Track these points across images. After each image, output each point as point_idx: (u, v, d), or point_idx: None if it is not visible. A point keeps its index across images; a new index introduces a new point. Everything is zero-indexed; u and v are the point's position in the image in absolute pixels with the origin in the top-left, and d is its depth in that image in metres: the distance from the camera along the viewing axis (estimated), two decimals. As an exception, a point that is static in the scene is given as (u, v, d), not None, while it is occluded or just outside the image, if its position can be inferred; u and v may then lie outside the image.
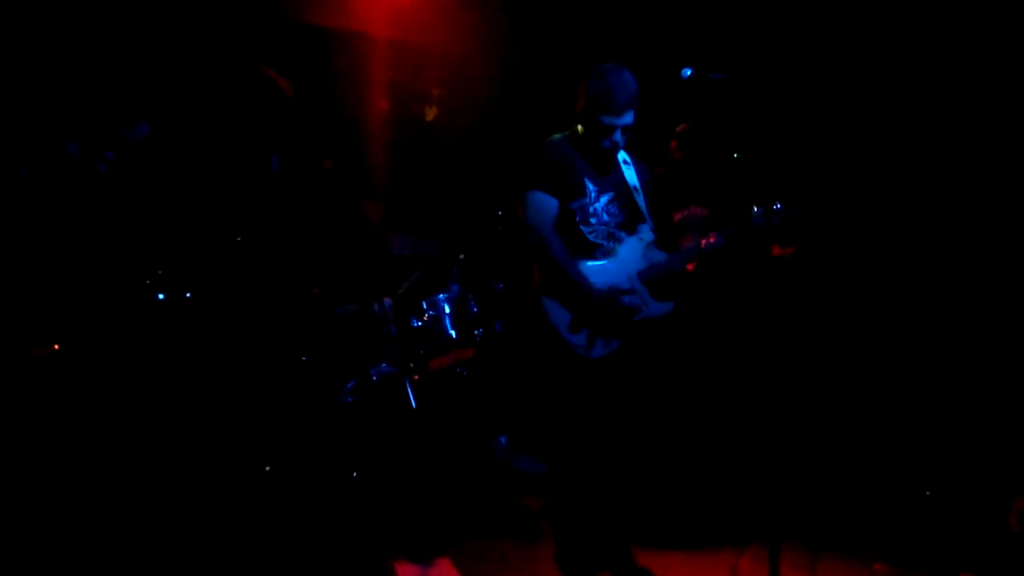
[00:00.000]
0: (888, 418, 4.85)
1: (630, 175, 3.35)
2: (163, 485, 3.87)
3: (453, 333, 4.66)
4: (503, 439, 4.87)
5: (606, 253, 3.26)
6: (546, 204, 3.21)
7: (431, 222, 5.54)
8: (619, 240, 3.28)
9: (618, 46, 5.60)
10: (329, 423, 4.33)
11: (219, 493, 4.01)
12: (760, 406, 4.23)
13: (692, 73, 3.15)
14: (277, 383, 4.47)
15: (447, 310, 4.68)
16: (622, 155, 3.38)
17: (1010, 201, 4.55)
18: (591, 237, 3.25)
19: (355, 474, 4.11)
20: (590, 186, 3.27)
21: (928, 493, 4.36)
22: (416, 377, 4.39)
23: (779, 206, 3.25)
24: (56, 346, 3.86)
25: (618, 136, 3.21)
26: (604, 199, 3.29)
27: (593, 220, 3.26)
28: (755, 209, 3.28)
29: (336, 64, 5.65)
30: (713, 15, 5.48)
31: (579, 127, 3.31)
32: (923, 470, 4.54)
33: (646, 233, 3.29)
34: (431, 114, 5.85)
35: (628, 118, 3.19)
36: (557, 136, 3.35)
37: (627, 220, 3.30)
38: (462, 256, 5.03)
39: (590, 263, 3.23)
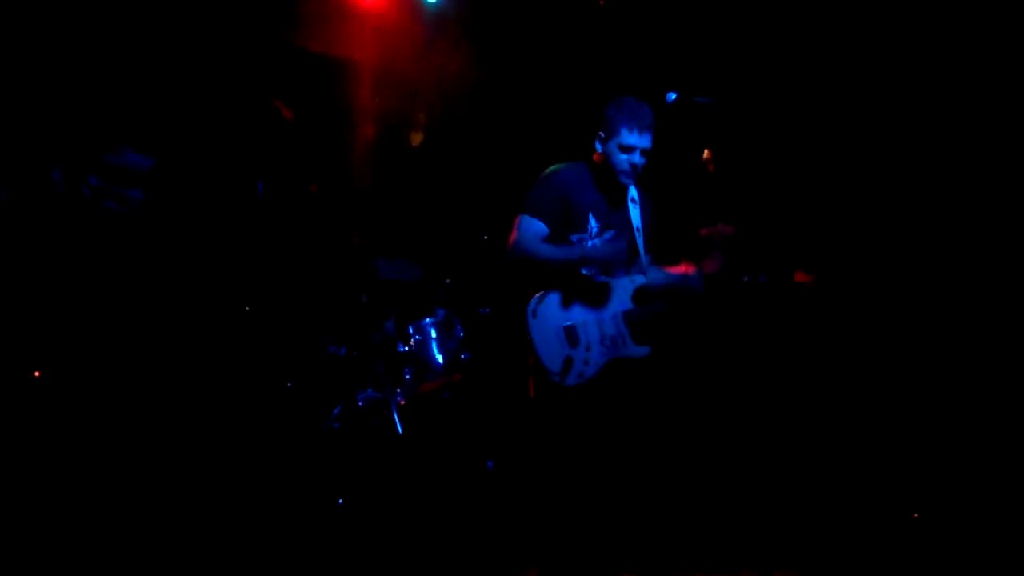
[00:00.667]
0: (877, 443, 4.86)
1: (635, 215, 3.39)
2: (152, 507, 3.83)
3: (440, 358, 4.65)
4: (490, 464, 4.84)
5: (598, 286, 3.28)
6: (537, 230, 3.25)
7: (417, 247, 5.53)
8: (612, 276, 3.31)
9: (607, 72, 5.68)
10: (315, 449, 4.29)
11: (205, 517, 3.97)
12: (749, 433, 4.24)
13: (677, 97, 3.18)
14: (264, 409, 4.44)
15: (433, 334, 4.68)
16: (632, 192, 3.40)
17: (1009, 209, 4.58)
18: (583, 270, 3.28)
19: (340, 502, 4.07)
20: (592, 222, 3.29)
21: (916, 516, 4.37)
22: (402, 402, 4.37)
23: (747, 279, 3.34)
24: (37, 373, 3.82)
25: (637, 158, 3.24)
26: (607, 236, 3.31)
27: None
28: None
29: (322, 90, 5.67)
30: (700, 39, 5.54)
31: (595, 155, 3.34)
32: (913, 495, 4.55)
33: (638, 276, 3.32)
34: (417, 139, 5.86)
35: (648, 140, 3.25)
36: (567, 165, 3.38)
37: (623, 260, 3.31)
38: (448, 280, 5.04)
39: (580, 291, 3.26)
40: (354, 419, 4.33)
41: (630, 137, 3.22)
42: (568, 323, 3.22)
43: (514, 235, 3.26)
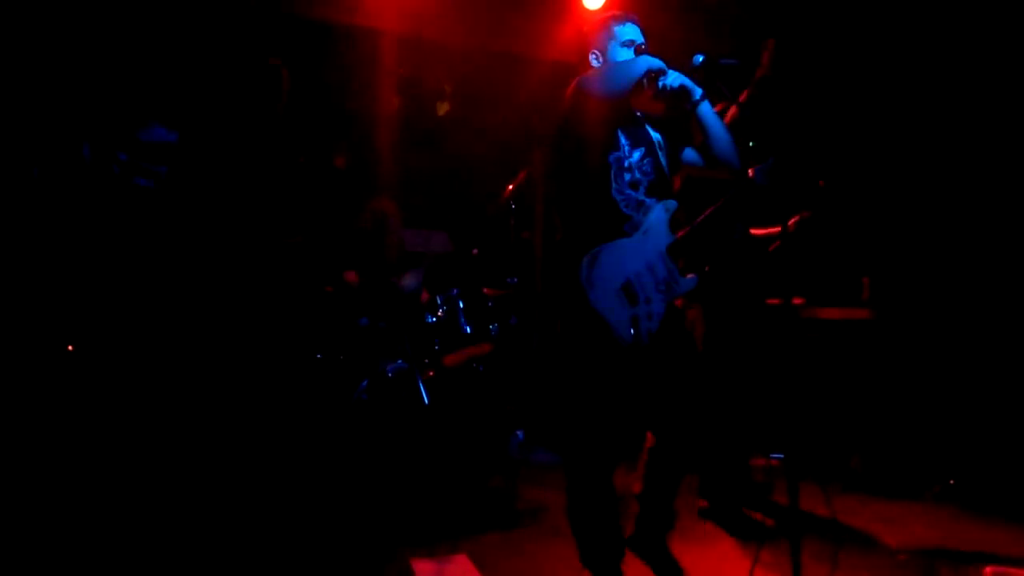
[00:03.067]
0: (912, 405, 4.81)
1: (653, 132, 3.22)
2: (178, 483, 3.88)
3: (467, 328, 4.64)
4: (520, 433, 4.85)
5: (635, 227, 3.08)
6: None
7: (444, 217, 5.53)
8: (647, 209, 3.10)
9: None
10: (344, 420, 4.32)
11: (236, 490, 4.02)
12: (782, 392, 4.18)
13: (704, 60, 3.11)
14: (293, 381, 4.48)
15: (461, 305, 4.67)
16: (645, 124, 3.24)
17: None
18: (623, 206, 3.08)
19: (365, 468, 4.10)
20: (623, 139, 3.13)
21: (952, 482, 4.33)
22: (431, 373, 4.38)
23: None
24: (70, 347, 3.87)
25: (661, 62, 3.07)
26: (637, 154, 3.14)
27: (627, 177, 3.10)
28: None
29: (347, 60, 5.65)
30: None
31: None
32: (948, 457, 4.51)
33: (670, 202, 3.13)
34: (443, 109, 5.83)
35: (637, 32, 3.16)
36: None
37: (655, 182, 3.14)
38: (475, 251, 5.02)
39: (622, 242, 3.06)
40: (382, 391, 4.35)
41: (624, 31, 3.16)
42: (623, 280, 3.03)
43: (586, 86, 3.06)
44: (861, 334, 4.96)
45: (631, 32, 3.17)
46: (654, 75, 3.04)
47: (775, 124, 4.20)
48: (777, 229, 4.07)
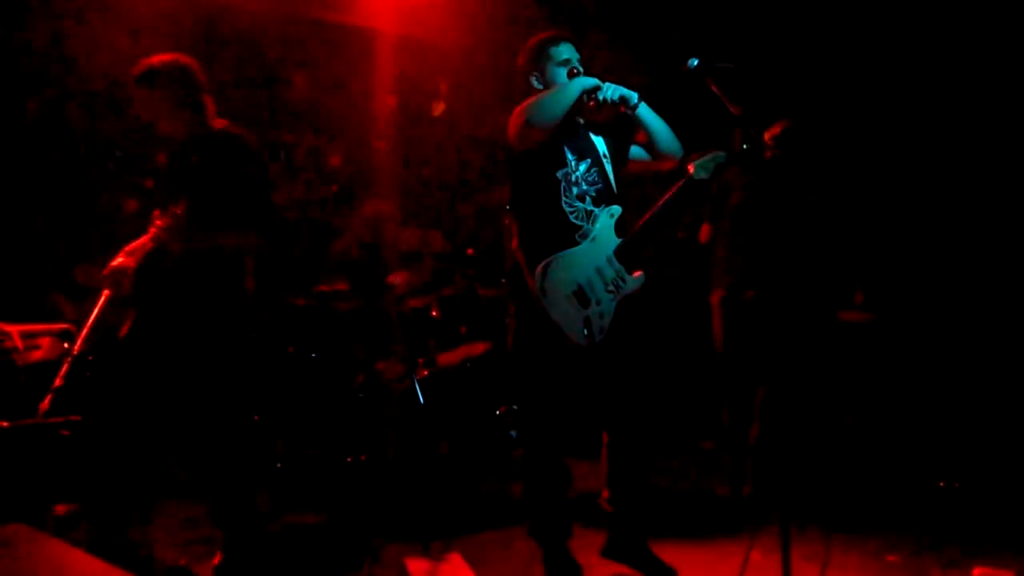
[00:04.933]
0: (903, 410, 4.85)
1: (599, 142, 3.40)
2: (175, 480, 3.88)
3: (461, 328, 4.65)
4: (513, 433, 4.86)
5: (584, 235, 3.27)
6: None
7: (439, 217, 5.54)
8: (595, 219, 3.29)
9: (625, 40, 5.62)
10: (338, 418, 4.33)
11: (229, 486, 4.03)
12: (773, 392, 4.23)
13: (699, 63, 3.13)
14: (287, 379, 4.48)
15: (456, 305, 4.68)
16: (588, 125, 3.41)
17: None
18: (572, 217, 3.26)
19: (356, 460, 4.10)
20: (568, 154, 3.30)
21: (942, 485, 4.35)
22: (425, 373, 4.39)
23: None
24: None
25: (578, 68, 3.27)
26: (583, 166, 3.32)
27: (575, 190, 3.27)
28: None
29: (344, 60, 5.66)
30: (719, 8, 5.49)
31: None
32: (938, 461, 4.53)
33: (615, 208, 3.31)
34: (438, 109, 5.84)
35: (570, 50, 3.32)
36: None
37: (602, 190, 3.32)
38: (470, 251, 5.03)
39: (573, 250, 3.24)
40: (376, 389, 4.36)
41: (559, 51, 3.31)
42: (575, 287, 3.22)
43: (517, 117, 3.22)
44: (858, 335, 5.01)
45: (566, 51, 3.34)
46: (590, 92, 3.23)
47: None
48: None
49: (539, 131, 3.20)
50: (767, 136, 4.34)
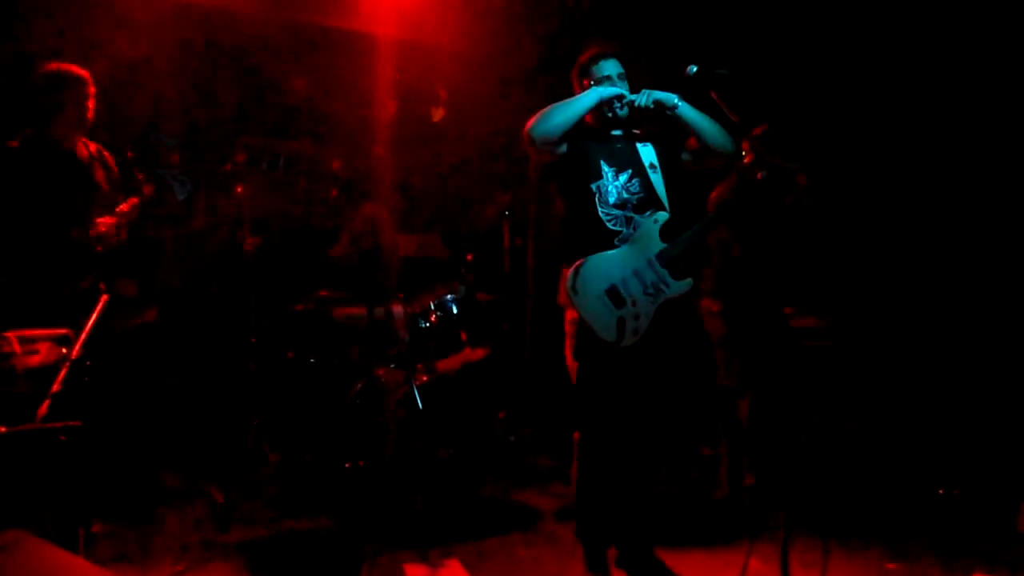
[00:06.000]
0: (901, 417, 4.85)
1: (646, 153, 3.41)
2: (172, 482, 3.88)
3: (461, 334, 4.64)
4: (512, 438, 4.86)
5: (624, 240, 3.31)
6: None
7: (438, 223, 5.54)
8: (636, 224, 3.33)
9: (628, 44, 5.62)
10: (337, 424, 4.32)
11: (227, 492, 4.02)
12: (775, 399, 4.25)
13: (698, 70, 3.15)
14: (286, 384, 4.48)
15: (454, 311, 4.67)
16: (632, 135, 3.45)
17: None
18: (609, 224, 3.31)
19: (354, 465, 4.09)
20: (604, 166, 3.35)
21: (941, 492, 4.34)
22: (424, 379, 4.38)
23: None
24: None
25: (617, 84, 3.35)
26: (623, 177, 3.36)
27: (613, 199, 3.32)
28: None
29: (343, 65, 5.65)
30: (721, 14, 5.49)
31: (586, 116, 3.38)
32: (936, 468, 4.53)
33: (660, 214, 3.33)
34: (438, 115, 5.84)
35: (612, 67, 3.41)
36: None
37: (644, 199, 3.34)
38: (469, 256, 5.03)
39: (609, 253, 3.29)
40: (375, 395, 4.35)
41: (600, 68, 3.39)
42: (608, 285, 3.26)
43: (529, 121, 3.31)
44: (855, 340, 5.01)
45: (608, 67, 3.42)
46: (610, 101, 3.32)
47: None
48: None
49: (544, 139, 3.27)
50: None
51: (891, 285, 5.25)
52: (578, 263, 3.27)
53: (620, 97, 3.31)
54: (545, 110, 3.28)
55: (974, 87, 5.04)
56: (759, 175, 3.50)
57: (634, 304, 3.27)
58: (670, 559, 3.46)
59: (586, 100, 3.31)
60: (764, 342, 4.26)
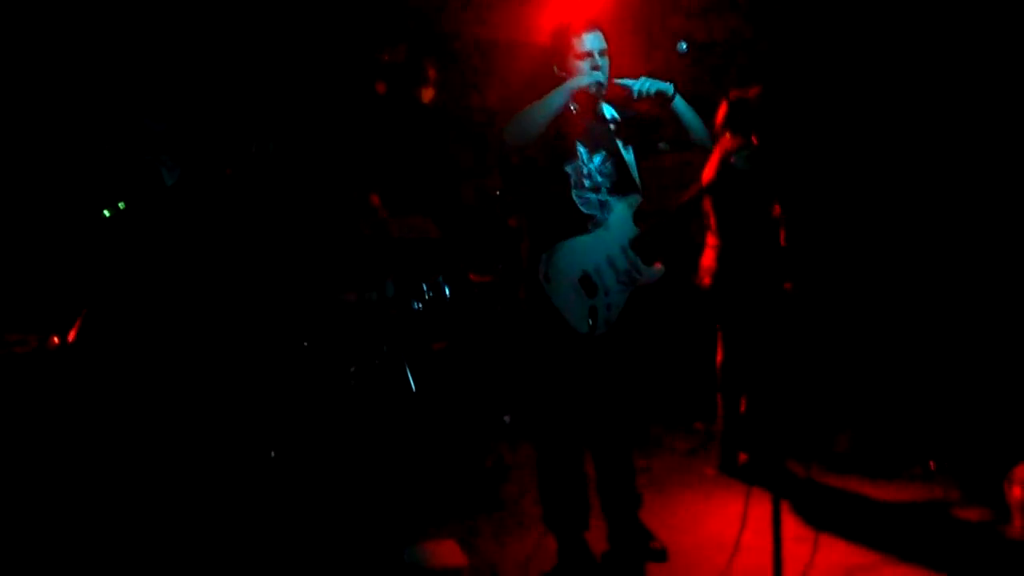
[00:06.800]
0: (892, 389, 4.88)
1: (618, 132, 3.32)
2: (166, 478, 3.89)
3: (454, 315, 4.66)
4: (507, 418, 4.88)
5: (597, 224, 3.22)
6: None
7: (430, 204, 5.52)
8: (610, 209, 3.24)
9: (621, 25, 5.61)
10: (331, 408, 4.34)
11: (223, 482, 4.04)
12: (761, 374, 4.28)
13: (688, 48, 3.15)
14: (279, 369, 4.49)
15: (447, 292, 4.68)
16: (609, 111, 3.34)
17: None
18: (583, 208, 3.21)
19: (353, 455, 4.12)
20: (580, 148, 3.24)
21: (933, 465, 4.38)
22: (417, 360, 4.40)
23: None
24: (56, 339, 3.87)
25: (598, 61, 3.17)
26: (597, 159, 3.26)
27: (587, 182, 3.22)
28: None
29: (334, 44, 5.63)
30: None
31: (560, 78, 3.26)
32: (926, 440, 4.56)
33: (634, 197, 3.27)
34: (427, 95, 5.81)
35: (596, 41, 3.19)
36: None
37: (618, 182, 3.26)
38: (462, 238, 5.03)
39: (582, 238, 3.20)
40: (369, 377, 4.36)
41: (584, 41, 3.18)
42: (580, 273, 3.18)
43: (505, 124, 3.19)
44: (849, 313, 5.03)
45: (589, 41, 3.19)
46: (583, 88, 3.14)
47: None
48: None
49: (521, 145, 3.14)
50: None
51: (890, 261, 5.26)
52: (551, 249, 3.18)
53: (598, 85, 3.16)
54: (520, 115, 3.12)
55: (975, 79, 5.05)
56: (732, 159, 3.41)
57: (607, 293, 3.19)
58: (659, 535, 3.50)
59: (554, 101, 3.11)
60: (764, 320, 4.26)
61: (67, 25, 4.55)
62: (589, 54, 3.18)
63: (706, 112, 3.80)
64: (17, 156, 4.38)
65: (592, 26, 3.21)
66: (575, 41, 3.19)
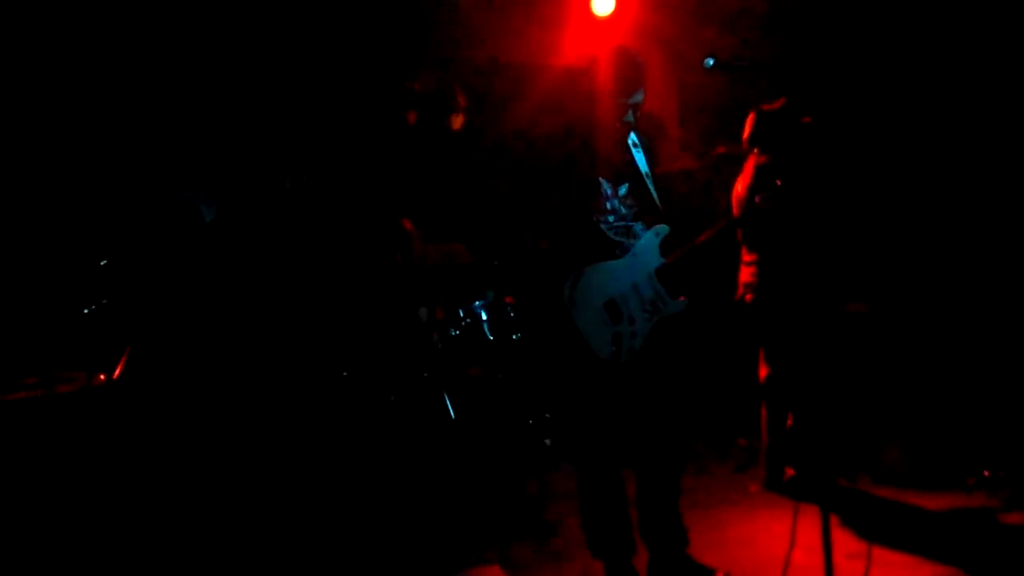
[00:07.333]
0: (944, 397, 4.78)
1: (640, 160, 3.32)
2: (202, 495, 3.92)
3: (491, 339, 4.66)
4: (548, 441, 4.85)
5: (624, 250, 3.23)
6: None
7: (464, 230, 5.54)
8: (636, 236, 3.25)
9: (646, 43, 5.63)
10: (373, 437, 4.35)
11: (265, 505, 4.06)
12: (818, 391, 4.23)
13: (715, 62, 3.13)
14: (320, 400, 4.51)
15: (484, 316, 4.69)
16: (632, 137, 3.34)
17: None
18: (610, 234, 3.23)
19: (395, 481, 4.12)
20: (605, 184, 3.26)
21: (987, 474, 4.27)
22: (456, 386, 4.40)
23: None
24: (103, 376, 3.92)
25: (630, 116, 3.22)
26: (622, 190, 3.27)
27: (612, 218, 3.24)
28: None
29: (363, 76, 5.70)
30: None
31: (590, 114, 3.29)
32: (980, 450, 4.45)
33: (662, 227, 3.25)
34: (458, 122, 5.86)
35: (638, 96, 3.22)
36: (561, 136, 3.34)
37: (642, 211, 3.27)
38: (496, 262, 5.04)
39: (610, 264, 3.21)
40: (408, 405, 4.37)
41: (621, 99, 3.19)
42: (606, 299, 3.17)
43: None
44: (894, 327, 4.95)
45: (641, 96, 3.23)
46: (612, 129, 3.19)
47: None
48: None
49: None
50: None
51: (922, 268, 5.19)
52: (578, 272, 3.18)
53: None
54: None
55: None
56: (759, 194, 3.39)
57: (631, 322, 3.17)
58: (708, 554, 3.44)
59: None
60: (808, 335, 4.21)
61: (98, 60, 4.66)
62: (624, 107, 3.21)
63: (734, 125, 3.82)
64: (54, 193, 4.48)
65: (639, 84, 3.22)
66: (617, 100, 3.21)
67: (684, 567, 3.34)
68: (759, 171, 4.27)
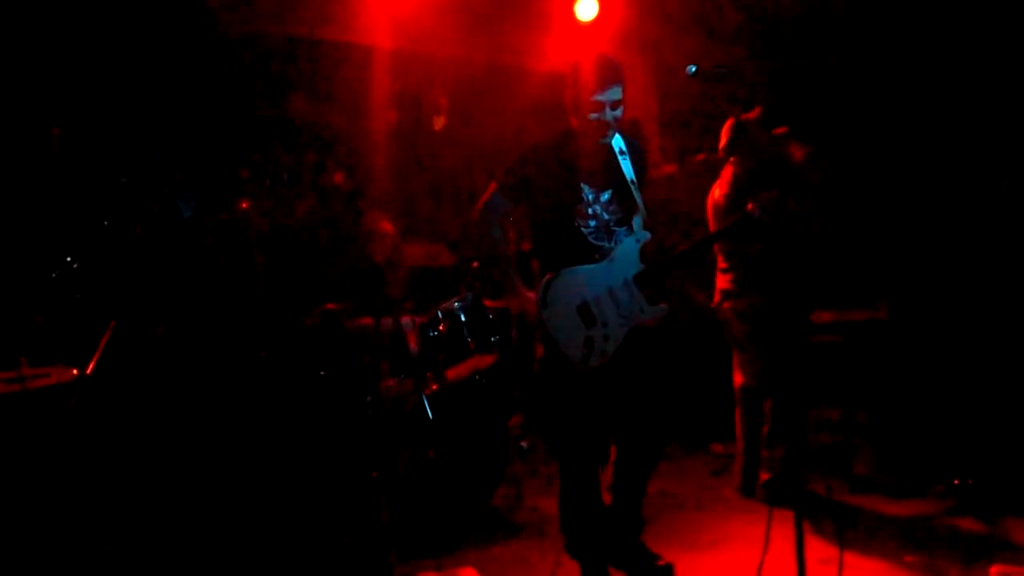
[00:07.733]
0: (913, 407, 4.83)
1: (626, 166, 3.31)
2: (181, 501, 3.89)
3: (469, 341, 4.64)
4: (524, 444, 4.85)
5: (604, 255, 3.23)
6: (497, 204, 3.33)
7: (442, 231, 5.54)
8: (618, 239, 3.25)
9: (629, 49, 5.65)
10: (348, 434, 4.33)
11: (238, 505, 4.03)
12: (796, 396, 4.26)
13: (697, 69, 3.16)
14: (296, 397, 4.48)
15: (462, 318, 4.67)
16: (618, 142, 3.33)
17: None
18: (591, 238, 3.24)
19: (370, 482, 4.10)
20: (586, 189, 3.26)
21: (957, 482, 4.32)
22: (434, 387, 4.38)
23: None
24: (75, 371, 3.88)
25: (608, 115, 3.19)
26: (605, 196, 3.28)
27: (592, 220, 3.24)
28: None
29: (342, 78, 5.68)
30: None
31: (572, 121, 3.31)
32: (951, 457, 4.50)
33: (643, 233, 3.26)
34: (439, 123, 5.86)
35: (614, 93, 3.20)
36: (549, 139, 3.35)
37: (625, 217, 3.28)
38: (475, 264, 5.03)
39: (585, 267, 3.21)
40: (385, 406, 4.35)
41: (595, 95, 3.17)
42: (580, 302, 3.17)
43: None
44: (870, 334, 4.99)
45: (617, 93, 3.20)
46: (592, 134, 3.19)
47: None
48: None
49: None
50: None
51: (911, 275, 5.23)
52: (550, 275, 3.18)
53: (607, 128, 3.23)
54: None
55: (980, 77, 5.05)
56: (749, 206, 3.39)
57: (605, 325, 3.16)
58: (682, 559, 3.46)
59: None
60: (789, 341, 4.24)
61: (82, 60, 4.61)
62: (601, 105, 3.19)
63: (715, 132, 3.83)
64: (25, 189, 4.42)
65: (616, 80, 3.21)
66: (592, 94, 3.19)
67: (636, 551, 3.40)
68: (736, 180, 4.30)
